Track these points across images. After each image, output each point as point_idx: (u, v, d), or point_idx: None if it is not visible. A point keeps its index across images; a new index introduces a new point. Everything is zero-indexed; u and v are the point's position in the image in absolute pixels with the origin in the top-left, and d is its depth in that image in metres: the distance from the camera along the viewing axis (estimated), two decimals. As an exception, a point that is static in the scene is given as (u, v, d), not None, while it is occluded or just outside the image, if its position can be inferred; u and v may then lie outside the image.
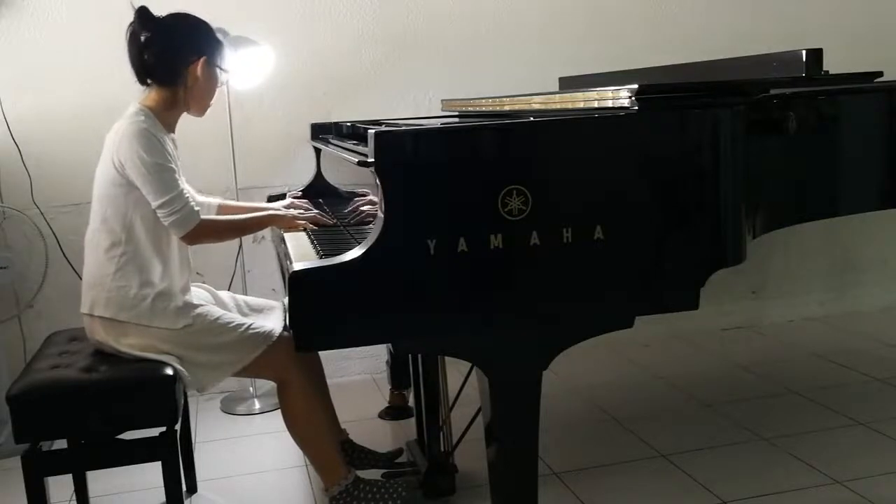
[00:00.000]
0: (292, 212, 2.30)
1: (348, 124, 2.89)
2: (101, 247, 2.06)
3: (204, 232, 2.06)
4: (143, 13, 2.07)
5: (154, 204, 1.99)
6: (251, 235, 3.23)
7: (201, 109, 2.18)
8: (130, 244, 2.04)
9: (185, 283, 2.12)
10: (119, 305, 2.04)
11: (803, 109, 2.13)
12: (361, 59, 3.30)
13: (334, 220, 2.29)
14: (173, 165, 2.03)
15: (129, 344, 2.04)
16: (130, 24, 2.07)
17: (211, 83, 2.15)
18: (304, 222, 2.23)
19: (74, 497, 2.37)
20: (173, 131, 2.16)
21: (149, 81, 2.10)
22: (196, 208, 2.04)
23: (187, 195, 2.03)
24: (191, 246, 2.12)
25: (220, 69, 2.17)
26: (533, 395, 1.73)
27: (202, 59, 2.09)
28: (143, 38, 2.06)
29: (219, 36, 2.18)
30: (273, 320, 2.21)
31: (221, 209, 2.45)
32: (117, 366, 2.02)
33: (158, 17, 2.09)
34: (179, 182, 2.03)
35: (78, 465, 2.22)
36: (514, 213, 1.60)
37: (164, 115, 2.10)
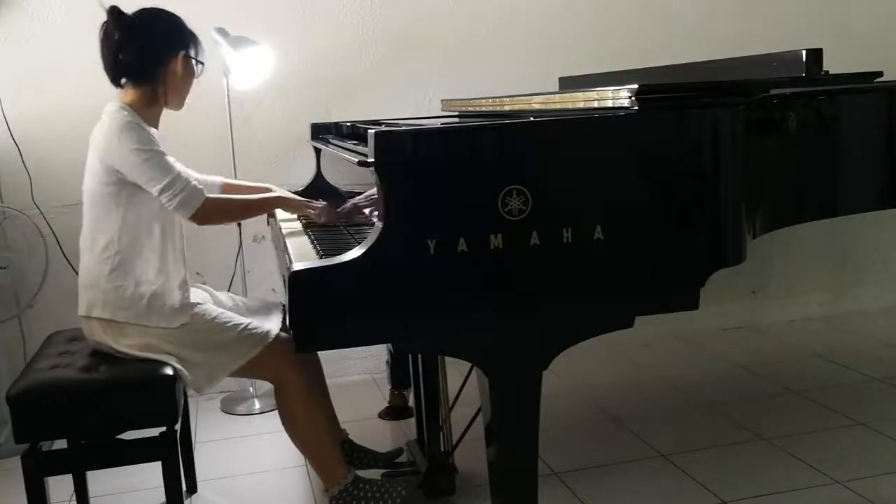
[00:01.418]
0: (300, 198, 2.30)
1: (348, 124, 2.89)
2: (96, 247, 2.06)
3: (212, 211, 2.05)
4: (115, 13, 2.05)
5: (155, 191, 1.97)
6: (251, 235, 3.24)
7: (180, 104, 2.17)
8: (124, 243, 2.03)
9: (181, 281, 2.10)
10: (116, 306, 2.04)
11: (803, 109, 2.13)
12: (361, 59, 3.30)
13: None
14: (163, 150, 2.02)
15: (128, 344, 2.04)
16: (103, 25, 2.06)
17: (189, 77, 2.15)
18: (312, 211, 2.23)
19: (74, 497, 2.37)
20: (156, 127, 2.14)
21: (123, 82, 2.09)
22: (199, 186, 2.03)
23: (186, 176, 2.02)
24: (202, 225, 2.09)
25: (198, 62, 2.17)
26: (533, 395, 1.73)
27: (181, 55, 2.10)
28: (117, 39, 2.05)
29: (189, 28, 2.16)
30: (271, 321, 2.20)
31: (225, 188, 2.45)
32: (117, 366, 2.02)
33: (131, 16, 2.07)
34: (175, 165, 2.02)
35: (78, 465, 2.21)
36: (514, 213, 1.60)
37: (144, 112, 2.08)
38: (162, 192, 1.97)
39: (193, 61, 2.15)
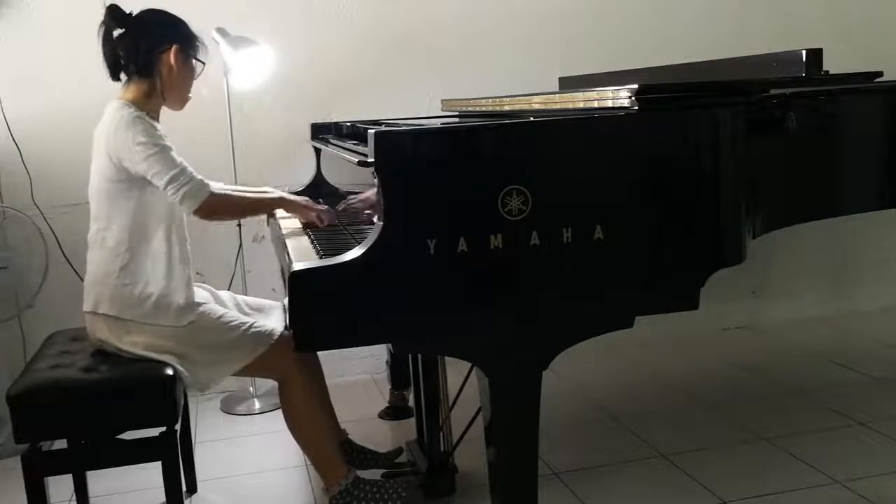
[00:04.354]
0: (303, 199, 2.31)
1: (348, 124, 2.89)
2: (105, 245, 2.07)
3: (216, 206, 2.06)
4: (114, 10, 2.08)
5: (161, 183, 1.98)
6: (251, 235, 3.24)
7: (179, 101, 2.18)
8: (133, 242, 2.05)
9: (187, 280, 2.11)
10: (123, 303, 2.04)
11: (803, 109, 2.13)
12: (361, 59, 3.30)
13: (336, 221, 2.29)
14: (170, 144, 2.03)
15: (131, 342, 2.04)
16: (102, 22, 2.09)
17: (185, 73, 2.15)
18: (314, 214, 2.24)
19: (74, 497, 2.37)
20: (157, 121, 2.15)
21: (122, 77, 2.11)
22: (205, 181, 2.04)
23: (192, 169, 2.03)
24: (206, 220, 2.10)
25: (196, 59, 2.17)
26: (533, 395, 1.73)
27: (174, 48, 2.10)
28: (115, 34, 2.08)
29: (191, 30, 2.18)
30: (274, 320, 2.21)
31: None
32: (117, 366, 2.02)
33: (130, 13, 2.10)
34: (181, 159, 2.03)
35: (78, 465, 2.22)
36: (514, 213, 1.60)
37: (145, 107, 2.09)
38: (168, 184, 1.98)
39: (192, 59, 2.16)
